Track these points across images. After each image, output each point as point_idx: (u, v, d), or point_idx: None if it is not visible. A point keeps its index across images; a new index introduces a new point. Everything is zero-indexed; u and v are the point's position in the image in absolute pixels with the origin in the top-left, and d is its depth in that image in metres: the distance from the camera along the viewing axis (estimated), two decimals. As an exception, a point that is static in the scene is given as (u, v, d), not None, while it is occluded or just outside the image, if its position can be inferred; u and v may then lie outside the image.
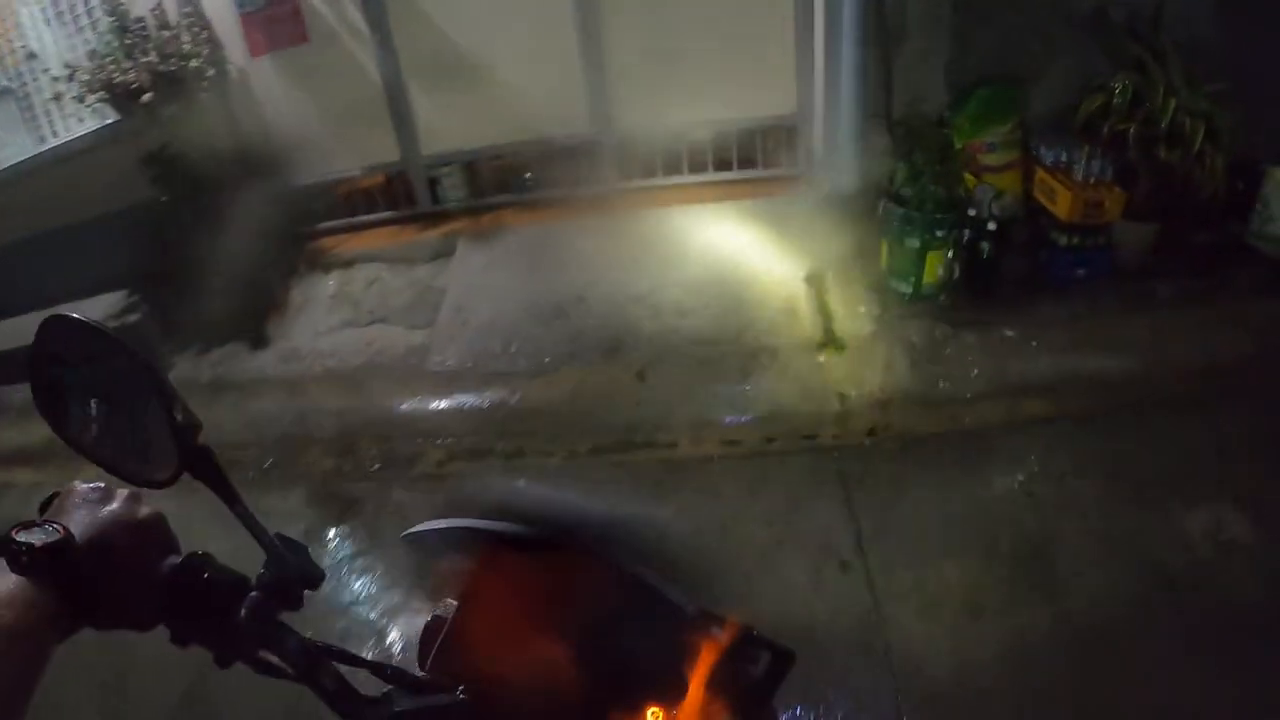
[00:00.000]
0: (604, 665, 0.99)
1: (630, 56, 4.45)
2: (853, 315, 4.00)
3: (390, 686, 0.98)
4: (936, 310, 3.99)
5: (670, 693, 0.96)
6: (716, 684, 0.95)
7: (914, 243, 3.94)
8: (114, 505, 0.83)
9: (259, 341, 4.66)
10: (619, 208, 4.54)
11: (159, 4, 4.70)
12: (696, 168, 4.68)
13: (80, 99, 4.75)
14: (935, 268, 4.01)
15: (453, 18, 4.52)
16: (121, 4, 4.72)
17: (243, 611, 0.85)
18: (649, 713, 0.97)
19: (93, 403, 0.89)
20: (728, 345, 3.90)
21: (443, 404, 3.95)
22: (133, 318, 4.92)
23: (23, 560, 0.73)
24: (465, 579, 1.08)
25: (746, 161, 4.65)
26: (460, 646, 1.03)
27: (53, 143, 5.25)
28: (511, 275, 4.37)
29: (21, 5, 5.07)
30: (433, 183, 4.90)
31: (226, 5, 4.68)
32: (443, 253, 4.64)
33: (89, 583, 0.77)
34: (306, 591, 0.93)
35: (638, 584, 0.98)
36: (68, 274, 5.14)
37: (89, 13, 4.94)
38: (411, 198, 4.92)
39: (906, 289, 4.07)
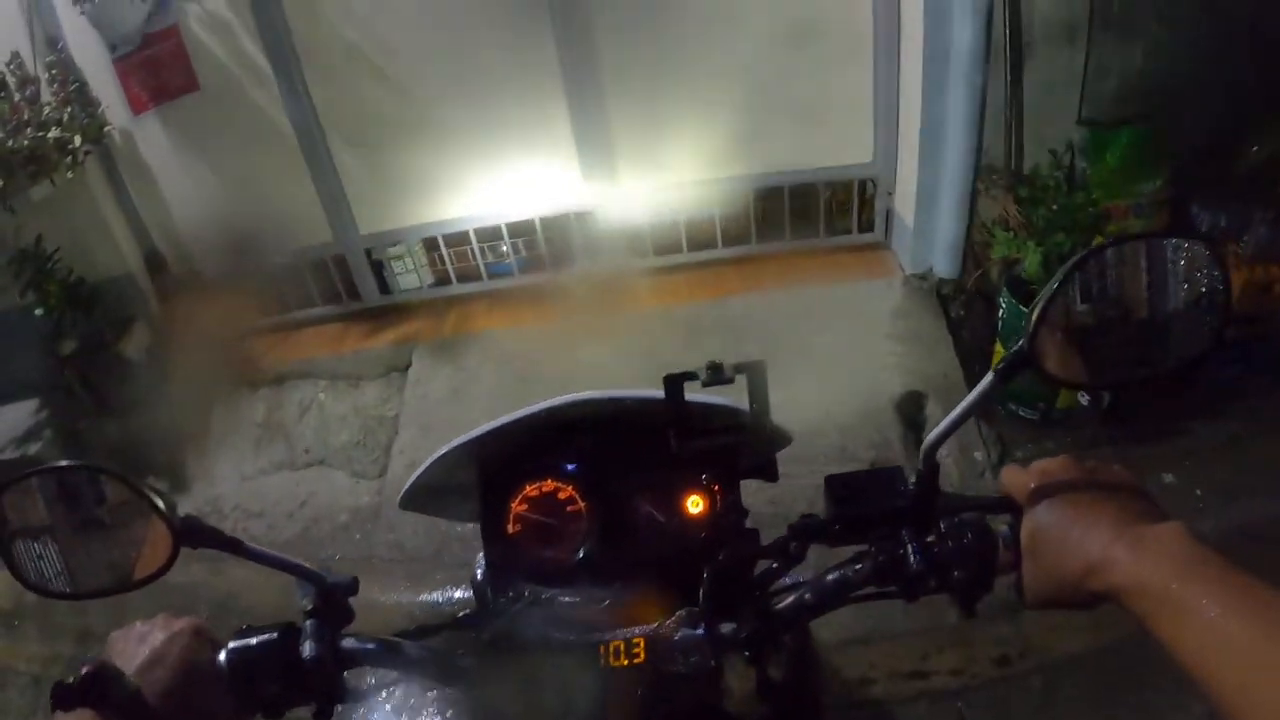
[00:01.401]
0: (628, 499, 1.04)
1: (637, 87, 3.25)
2: (966, 463, 2.86)
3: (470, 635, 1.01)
4: (1071, 445, 2.97)
5: (687, 477, 1.01)
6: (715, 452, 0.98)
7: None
8: (146, 629, 0.88)
9: (177, 482, 3.68)
10: (628, 299, 3.37)
11: (16, 57, 3.53)
12: (734, 238, 3.45)
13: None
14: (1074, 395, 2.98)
15: (385, 51, 3.32)
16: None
17: (306, 647, 0.88)
18: (689, 501, 1.02)
19: (64, 544, 0.87)
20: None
21: (399, 609, 2.86)
22: (36, 445, 3.99)
23: (67, 696, 0.75)
24: (481, 500, 1.08)
25: (803, 229, 3.43)
26: (505, 564, 1.05)
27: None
28: (483, 407, 3.23)
29: None
30: (379, 267, 3.73)
31: (100, 52, 3.52)
32: (395, 366, 3.52)
33: (149, 707, 0.79)
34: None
35: (613, 411, 1.01)
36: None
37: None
38: (353, 288, 3.75)
39: (1033, 415, 3.03)
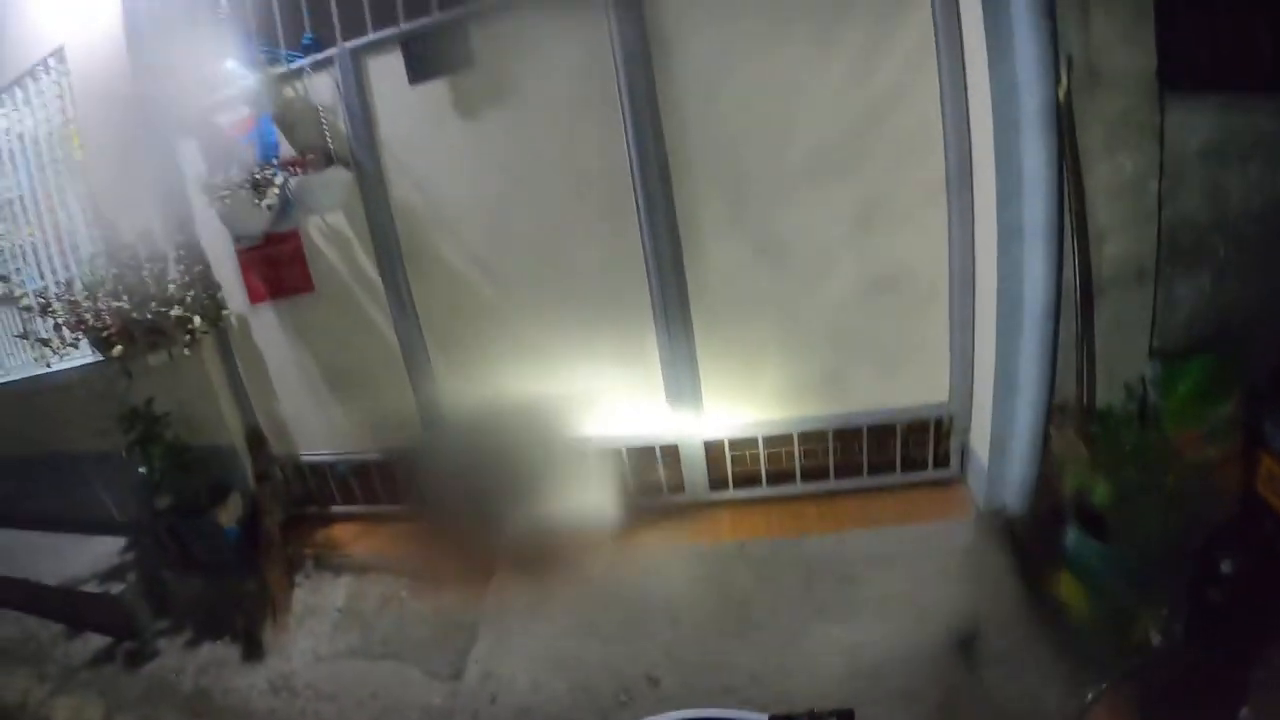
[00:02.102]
0: None
1: (725, 327, 3.42)
2: (1038, 713, 2.84)
3: None
4: (1144, 678, 2.80)
5: None
6: None
7: (1125, 596, 2.83)
8: None
9: (252, 649, 3.78)
10: (706, 531, 3.48)
11: (148, 233, 3.83)
12: (812, 474, 3.55)
13: (59, 332, 3.97)
14: (1147, 628, 2.86)
15: (488, 274, 3.56)
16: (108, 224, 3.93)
17: None
18: None
19: None
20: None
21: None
22: (119, 585, 4.17)
23: None
24: None
25: (879, 465, 3.52)
26: None
27: (56, 366, 4.52)
28: (561, 625, 3.31)
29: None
30: (469, 472, 3.87)
31: (225, 239, 3.79)
32: (479, 571, 3.61)
33: None
34: None
35: None
36: (61, 501, 4.87)
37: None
38: (444, 492, 3.90)
39: (1103, 646, 2.90)
